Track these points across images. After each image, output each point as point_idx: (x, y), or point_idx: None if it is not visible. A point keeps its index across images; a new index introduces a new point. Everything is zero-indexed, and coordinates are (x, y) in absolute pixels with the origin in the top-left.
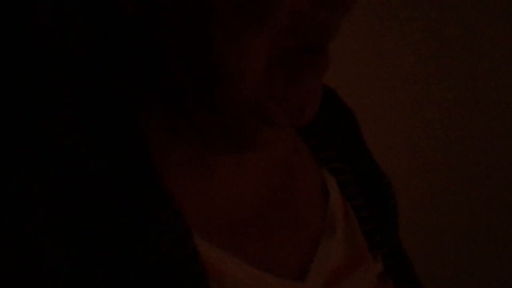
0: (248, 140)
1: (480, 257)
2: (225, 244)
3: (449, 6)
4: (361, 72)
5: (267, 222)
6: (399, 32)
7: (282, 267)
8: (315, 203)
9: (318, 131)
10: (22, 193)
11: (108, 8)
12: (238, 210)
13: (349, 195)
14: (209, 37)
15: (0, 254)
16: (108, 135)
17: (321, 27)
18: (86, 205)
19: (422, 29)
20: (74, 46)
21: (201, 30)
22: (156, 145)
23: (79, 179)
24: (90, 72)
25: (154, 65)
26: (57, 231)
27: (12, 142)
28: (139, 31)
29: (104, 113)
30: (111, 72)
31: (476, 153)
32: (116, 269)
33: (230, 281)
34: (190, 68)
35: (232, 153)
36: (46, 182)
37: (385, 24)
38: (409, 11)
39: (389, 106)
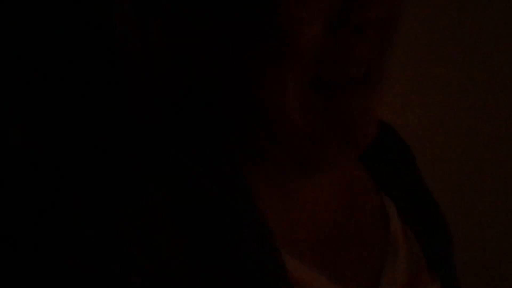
0: (312, 165)
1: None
2: (310, 260)
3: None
4: None
5: (341, 241)
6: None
7: (357, 284)
8: (376, 225)
9: (377, 160)
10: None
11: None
12: (318, 228)
13: (408, 220)
14: (250, 81)
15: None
16: (215, 168)
17: (355, 53)
18: (195, 225)
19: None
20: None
21: (246, 78)
22: (249, 174)
23: (195, 204)
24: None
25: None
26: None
27: (145, 183)
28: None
29: (209, 153)
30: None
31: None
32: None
33: None
34: (250, 118)
35: (302, 177)
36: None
37: None
38: None
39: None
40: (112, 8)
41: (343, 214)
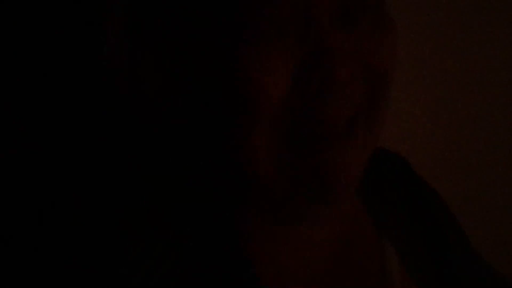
0: (293, 216)
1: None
2: None
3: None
4: None
5: (331, 284)
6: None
7: None
8: (372, 273)
9: (384, 197)
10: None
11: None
12: (308, 276)
13: (408, 264)
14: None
15: None
16: (210, 221)
17: (326, 110)
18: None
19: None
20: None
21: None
22: (243, 226)
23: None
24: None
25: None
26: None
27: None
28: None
29: (206, 205)
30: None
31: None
32: None
33: None
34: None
35: (290, 226)
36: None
37: None
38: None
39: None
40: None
41: (337, 262)
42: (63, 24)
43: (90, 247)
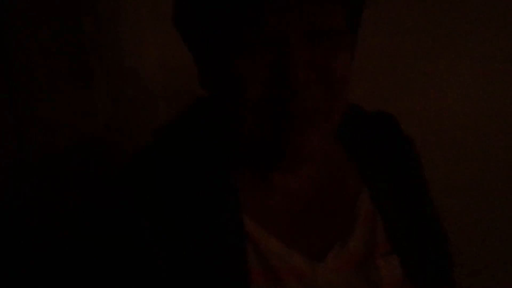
0: (278, 166)
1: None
2: (268, 226)
3: None
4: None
5: (305, 218)
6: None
7: (308, 250)
8: (346, 207)
9: (365, 153)
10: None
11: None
12: (285, 207)
13: (380, 204)
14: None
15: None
16: (209, 167)
17: (293, 99)
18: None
19: None
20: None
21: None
22: (237, 167)
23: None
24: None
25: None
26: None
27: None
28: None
29: (210, 150)
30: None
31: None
32: (192, 238)
33: (263, 248)
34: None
35: (277, 172)
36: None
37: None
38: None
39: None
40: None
41: (314, 201)
42: None
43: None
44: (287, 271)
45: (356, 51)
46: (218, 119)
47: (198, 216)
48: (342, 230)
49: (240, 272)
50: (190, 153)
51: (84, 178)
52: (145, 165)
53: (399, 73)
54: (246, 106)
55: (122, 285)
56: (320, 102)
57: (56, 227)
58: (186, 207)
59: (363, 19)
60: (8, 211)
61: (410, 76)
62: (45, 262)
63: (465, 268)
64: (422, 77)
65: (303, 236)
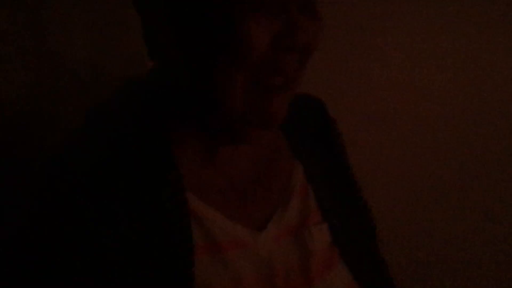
0: (238, 137)
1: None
2: (211, 201)
3: None
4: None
5: (246, 192)
6: None
7: (249, 222)
8: (282, 182)
9: (296, 132)
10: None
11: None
12: (227, 182)
13: (311, 178)
14: (214, 83)
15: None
16: (149, 138)
17: (283, 67)
18: (127, 178)
19: None
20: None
21: (210, 82)
22: (179, 143)
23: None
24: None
25: (185, 100)
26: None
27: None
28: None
29: (148, 125)
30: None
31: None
32: (137, 214)
33: (206, 223)
34: (204, 101)
35: (229, 145)
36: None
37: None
38: None
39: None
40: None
41: (254, 173)
42: None
43: None
44: (230, 243)
45: None
46: (166, 91)
47: (140, 195)
48: (280, 202)
49: (185, 250)
50: (128, 130)
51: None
52: (79, 146)
53: (333, 73)
54: (242, 66)
55: (63, 265)
56: (294, 70)
57: None
58: (126, 187)
59: None
60: None
61: (344, 77)
62: None
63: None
64: (356, 78)
65: (244, 210)
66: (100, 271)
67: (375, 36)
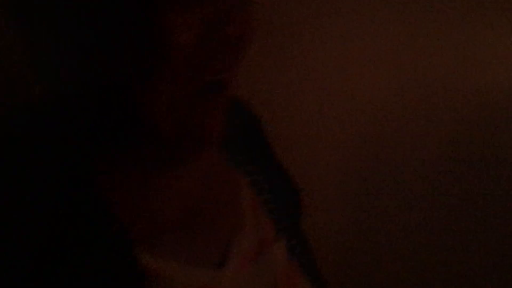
0: (173, 162)
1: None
2: (164, 250)
3: None
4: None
5: (192, 226)
6: None
7: (206, 259)
8: (231, 204)
9: (234, 139)
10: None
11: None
12: (174, 217)
13: (259, 191)
14: (132, 97)
15: None
16: (69, 175)
17: (214, 65)
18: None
19: None
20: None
21: (128, 96)
22: (106, 180)
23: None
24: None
25: (109, 122)
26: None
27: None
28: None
29: (68, 157)
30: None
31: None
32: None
33: (164, 275)
34: (126, 121)
35: (164, 172)
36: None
37: None
38: None
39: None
40: None
41: (200, 201)
42: None
43: None
44: None
45: None
46: (77, 117)
47: (81, 256)
48: (234, 228)
49: None
50: (41, 174)
51: None
52: None
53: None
54: (167, 69)
55: None
56: (227, 68)
57: None
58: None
59: None
60: None
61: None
62: None
63: None
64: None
65: (198, 246)
66: None
67: (311, 34)
